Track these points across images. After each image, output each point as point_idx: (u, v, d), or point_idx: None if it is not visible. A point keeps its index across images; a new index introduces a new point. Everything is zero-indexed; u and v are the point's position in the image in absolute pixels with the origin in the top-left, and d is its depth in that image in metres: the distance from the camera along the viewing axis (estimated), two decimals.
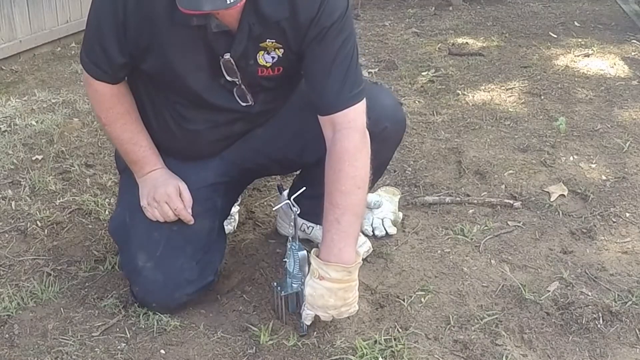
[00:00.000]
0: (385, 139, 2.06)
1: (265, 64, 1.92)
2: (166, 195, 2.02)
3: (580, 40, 4.77)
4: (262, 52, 1.89)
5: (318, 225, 2.30)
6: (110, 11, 1.83)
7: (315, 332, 1.94)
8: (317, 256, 1.86)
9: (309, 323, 1.93)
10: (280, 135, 2.12)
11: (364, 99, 1.91)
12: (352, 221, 1.87)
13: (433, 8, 5.92)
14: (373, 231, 2.41)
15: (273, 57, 1.91)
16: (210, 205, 2.10)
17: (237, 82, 1.94)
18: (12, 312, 2.04)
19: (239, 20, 1.82)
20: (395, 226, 2.45)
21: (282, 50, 1.90)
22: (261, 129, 2.12)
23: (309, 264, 1.89)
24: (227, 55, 1.87)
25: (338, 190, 1.86)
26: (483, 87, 3.89)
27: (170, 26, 1.81)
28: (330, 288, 1.85)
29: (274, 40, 1.87)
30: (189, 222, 2.04)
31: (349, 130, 1.87)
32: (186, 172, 2.10)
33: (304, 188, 1.99)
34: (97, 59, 1.92)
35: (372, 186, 2.34)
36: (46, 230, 2.49)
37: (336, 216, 1.85)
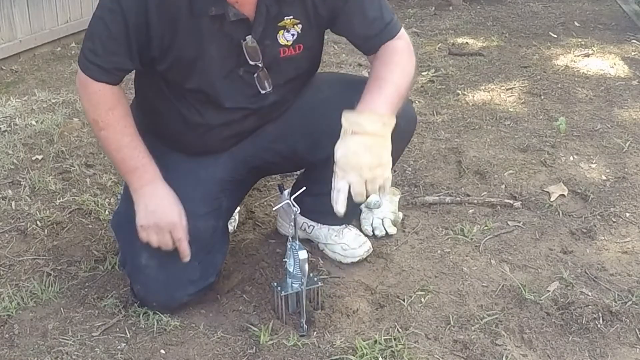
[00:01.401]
0: (397, 136, 2.06)
1: (286, 42, 1.92)
2: (172, 224, 1.95)
3: (580, 40, 4.77)
4: (282, 31, 1.91)
5: (319, 224, 2.30)
6: (134, 11, 1.78)
7: (315, 332, 1.94)
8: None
9: (339, 204, 1.75)
10: (290, 131, 2.10)
11: (402, 26, 2.00)
12: (394, 94, 1.86)
13: (433, 8, 5.92)
14: (373, 231, 2.41)
15: (293, 35, 1.92)
16: (216, 205, 2.09)
17: (260, 65, 1.93)
18: (12, 312, 2.04)
19: (255, 5, 1.83)
20: (395, 226, 2.45)
21: (300, 26, 1.91)
22: (272, 125, 2.11)
23: (310, 261, 1.88)
24: (249, 37, 1.87)
25: (386, 69, 1.90)
26: (483, 87, 3.89)
27: (191, 20, 1.81)
28: (364, 142, 1.75)
29: (291, 17, 1.89)
30: (185, 257, 1.97)
31: (398, 40, 1.97)
32: (195, 168, 2.07)
33: (304, 188, 1.99)
34: (100, 61, 1.86)
35: None
36: (46, 230, 2.49)
37: (379, 84, 1.87)
